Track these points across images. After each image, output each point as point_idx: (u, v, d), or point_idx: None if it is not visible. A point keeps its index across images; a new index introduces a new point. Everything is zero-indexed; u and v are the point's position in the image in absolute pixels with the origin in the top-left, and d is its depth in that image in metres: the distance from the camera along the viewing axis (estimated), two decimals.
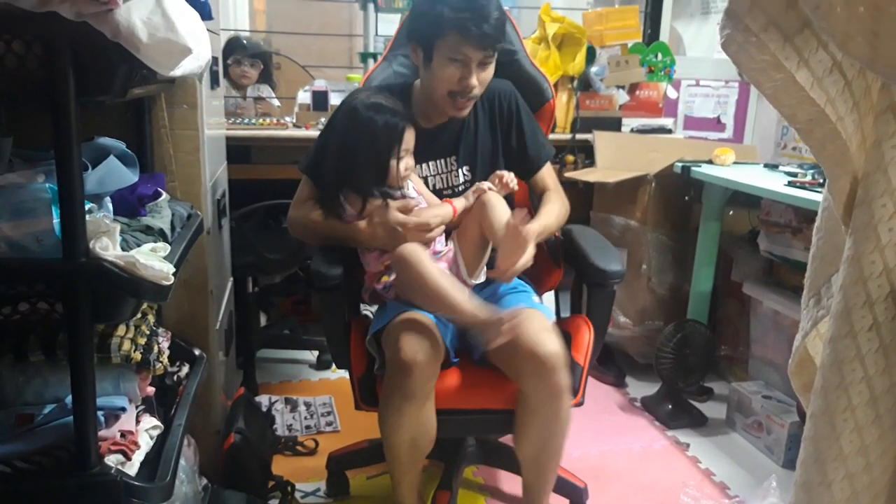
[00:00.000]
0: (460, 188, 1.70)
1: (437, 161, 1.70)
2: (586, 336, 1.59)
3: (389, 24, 2.87)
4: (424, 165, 1.69)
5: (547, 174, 1.76)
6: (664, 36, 3.17)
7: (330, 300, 1.56)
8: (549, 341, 1.40)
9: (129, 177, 1.22)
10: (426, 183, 1.70)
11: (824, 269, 0.75)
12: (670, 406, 2.35)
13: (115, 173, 1.19)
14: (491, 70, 1.60)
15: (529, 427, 1.47)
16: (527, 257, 1.44)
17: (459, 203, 1.61)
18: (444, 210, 1.59)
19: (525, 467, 1.55)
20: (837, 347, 0.66)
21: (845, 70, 0.61)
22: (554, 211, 1.68)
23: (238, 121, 2.59)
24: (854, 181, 0.66)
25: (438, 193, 1.69)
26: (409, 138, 1.55)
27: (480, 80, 1.57)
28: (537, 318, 1.46)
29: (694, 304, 2.48)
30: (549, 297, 1.89)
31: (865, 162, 0.63)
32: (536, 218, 1.62)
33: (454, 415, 1.52)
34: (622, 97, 2.86)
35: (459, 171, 1.70)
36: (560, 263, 1.82)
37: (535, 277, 1.76)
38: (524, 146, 1.72)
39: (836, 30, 0.51)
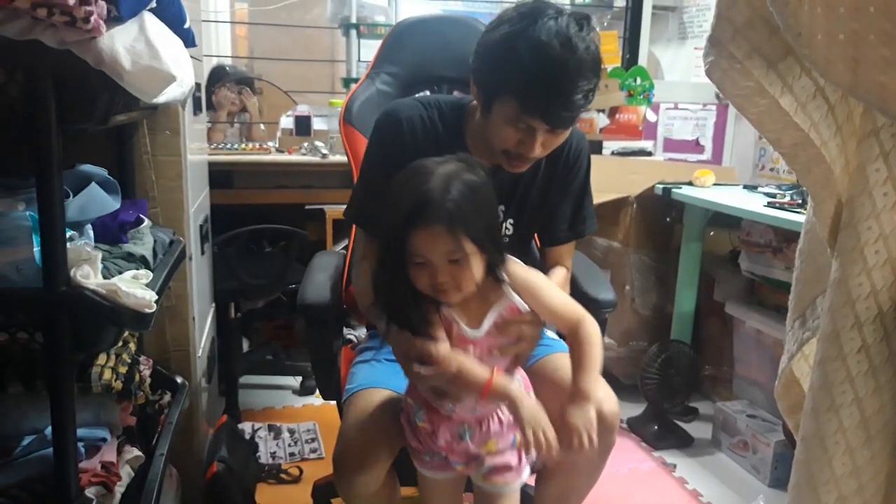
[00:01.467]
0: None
1: None
2: None
3: (371, 50, 2.88)
4: None
5: (569, 249, 1.51)
6: (643, 60, 3.22)
7: (317, 331, 1.44)
8: (612, 401, 1.28)
9: (111, 204, 1.21)
10: None
11: (808, 290, 0.76)
12: (656, 427, 2.35)
13: (96, 200, 1.18)
14: (563, 136, 1.31)
15: (560, 477, 1.36)
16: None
17: (502, 382, 1.11)
18: (477, 376, 1.10)
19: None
20: (827, 370, 0.66)
21: (828, 95, 0.63)
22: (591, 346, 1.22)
23: (221, 146, 2.58)
24: (839, 204, 0.67)
25: None
26: None
27: (547, 146, 1.29)
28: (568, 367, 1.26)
29: (677, 324, 2.49)
30: None
31: (850, 185, 0.64)
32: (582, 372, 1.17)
33: None
34: (602, 121, 2.89)
35: (504, 223, 1.44)
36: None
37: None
38: (579, 208, 1.46)
39: (818, 56, 0.52)
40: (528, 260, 1.33)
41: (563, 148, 1.38)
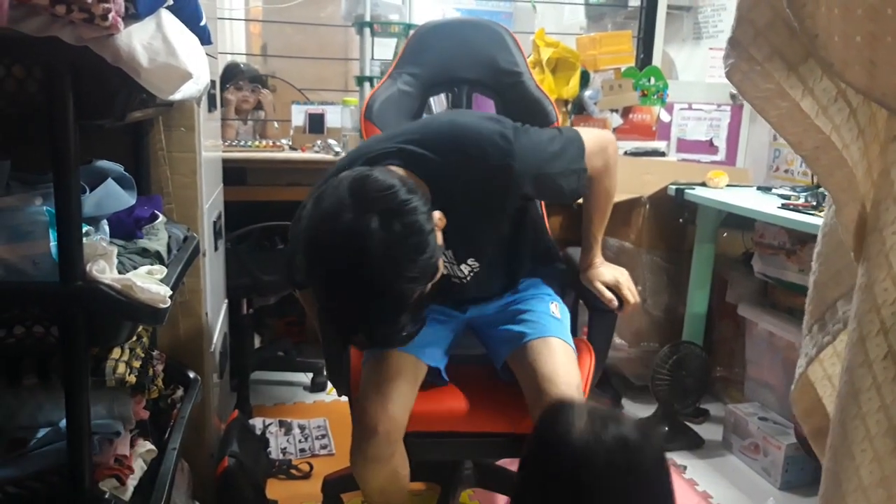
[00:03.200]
0: (468, 277, 1.48)
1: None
2: (587, 361, 1.58)
3: (385, 48, 2.89)
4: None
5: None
6: (657, 60, 3.20)
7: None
8: (568, 382, 1.36)
9: (127, 199, 1.22)
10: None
11: (827, 294, 0.75)
12: (667, 428, 2.34)
13: (112, 196, 1.19)
14: None
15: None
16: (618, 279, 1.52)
17: None
18: None
19: None
20: (854, 377, 0.65)
21: (850, 98, 0.62)
22: (598, 209, 1.52)
23: (235, 143, 2.59)
24: (862, 208, 0.66)
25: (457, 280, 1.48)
26: None
27: None
28: (566, 365, 1.40)
29: (689, 325, 2.48)
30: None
31: (875, 190, 0.63)
32: (592, 250, 1.56)
33: (452, 437, 1.50)
34: (616, 120, 2.88)
35: (460, 266, 1.45)
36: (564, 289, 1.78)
37: None
38: (561, 183, 1.38)
39: (835, 59, 0.52)
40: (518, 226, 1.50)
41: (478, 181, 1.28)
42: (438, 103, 2.13)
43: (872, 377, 0.64)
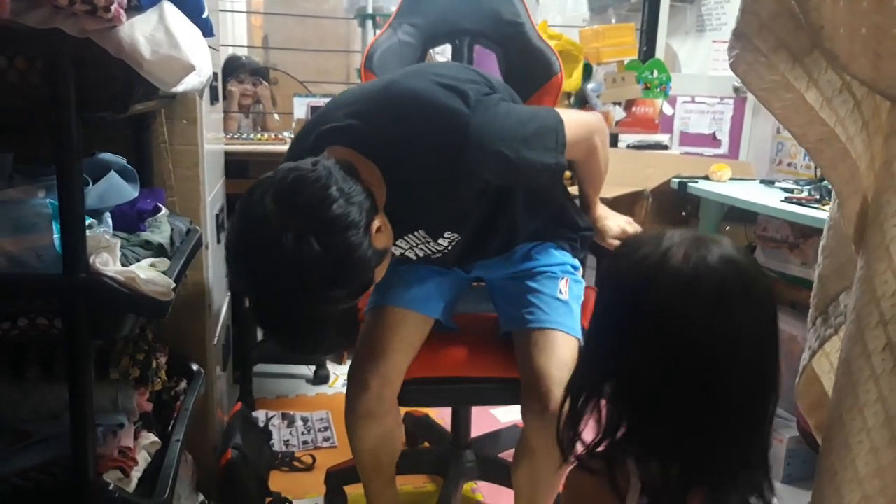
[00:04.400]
0: (448, 248, 1.40)
1: (408, 236, 1.36)
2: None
3: None
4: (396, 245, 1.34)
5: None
6: (660, 53, 3.19)
7: None
8: (561, 381, 1.28)
9: (130, 192, 1.22)
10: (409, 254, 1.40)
11: (831, 287, 0.75)
12: None
13: (115, 189, 1.19)
14: None
15: (525, 462, 1.42)
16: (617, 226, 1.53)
17: None
18: None
19: (517, 495, 1.50)
20: (852, 368, 0.66)
21: (854, 90, 0.62)
22: (598, 172, 1.48)
23: (237, 135, 2.59)
24: (864, 201, 0.66)
25: (428, 258, 1.43)
26: None
27: None
28: (563, 363, 1.34)
29: None
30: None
31: (876, 182, 0.64)
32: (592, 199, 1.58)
33: (452, 383, 1.50)
34: (618, 113, 2.87)
35: (436, 241, 1.37)
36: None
37: None
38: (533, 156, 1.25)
39: (840, 51, 0.52)
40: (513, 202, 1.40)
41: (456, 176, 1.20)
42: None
43: (871, 368, 0.64)
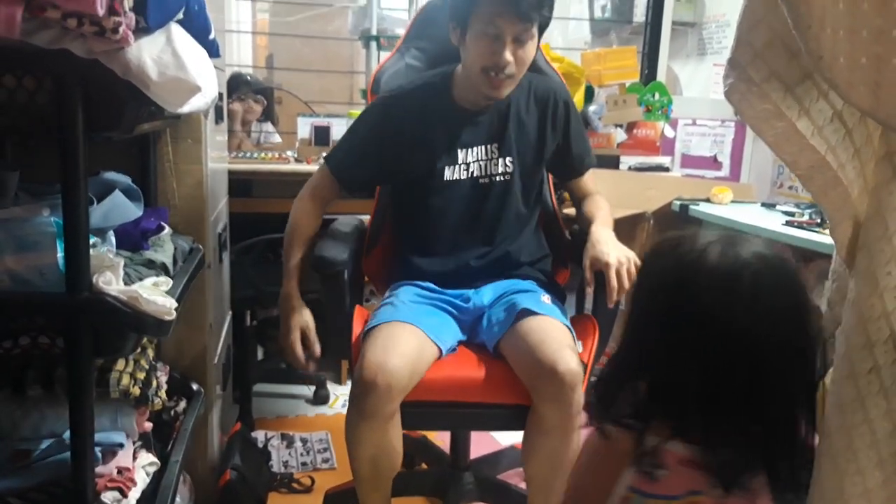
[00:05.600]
0: (498, 178, 1.64)
1: (479, 147, 1.63)
2: (592, 336, 1.57)
3: None
4: (465, 151, 1.62)
5: (590, 180, 1.76)
6: (661, 76, 3.22)
7: (334, 287, 1.53)
8: (570, 359, 1.36)
9: (134, 211, 1.23)
10: (467, 169, 1.62)
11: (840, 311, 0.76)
12: None
13: (120, 208, 1.20)
14: (530, 48, 1.51)
15: (540, 447, 1.44)
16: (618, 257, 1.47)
17: None
18: None
19: (532, 487, 1.51)
20: (839, 389, 0.67)
21: (846, 119, 0.63)
22: (606, 210, 1.68)
23: (241, 155, 2.61)
24: (856, 225, 0.67)
25: (476, 181, 1.63)
26: None
27: (517, 57, 1.49)
28: (558, 331, 1.45)
29: None
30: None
31: (868, 206, 0.64)
32: (598, 220, 1.64)
33: (453, 407, 1.50)
34: (620, 136, 2.89)
35: (500, 160, 1.64)
36: (567, 263, 1.83)
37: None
38: (569, 147, 1.70)
39: (840, 80, 0.53)
40: (535, 207, 1.71)
41: (549, 94, 1.66)
42: None
43: (857, 390, 0.65)
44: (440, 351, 1.48)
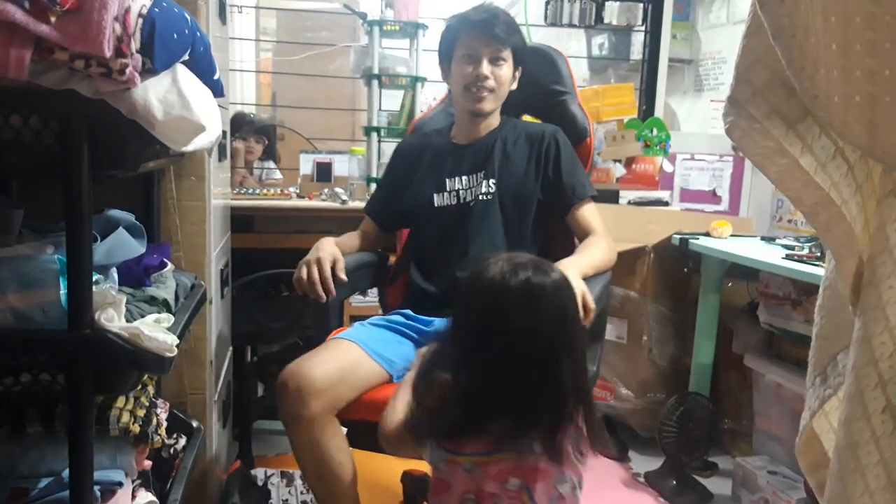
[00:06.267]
0: (481, 198, 1.75)
1: (466, 176, 1.78)
2: None
3: (392, 100, 2.95)
4: (453, 179, 1.78)
5: (589, 215, 1.76)
6: (659, 112, 3.25)
7: (320, 308, 1.64)
8: None
9: (137, 248, 1.23)
10: (456, 195, 1.77)
11: (829, 347, 0.75)
12: (674, 482, 2.30)
13: (123, 245, 1.20)
14: (505, 69, 1.71)
15: None
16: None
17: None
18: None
19: None
20: (852, 430, 0.65)
21: (848, 155, 0.63)
22: (596, 248, 1.66)
23: (243, 191, 2.62)
24: (860, 262, 0.67)
25: (466, 205, 1.76)
26: None
27: (495, 74, 1.70)
28: None
29: (696, 376, 2.46)
30: None
31: (870, 244, 0.64)
32: (575, 254, 1.63)
33: None
34: (619, 170, 2.91)
35: (484, 182, 1.76)
36: None
37: None
38: (559, 177, 1.74)
39: (835, 118, 0.53)
40: (520, 237, 1.72)
41: (541, 133, 1.78)
42: None
43: (871, 430, 0.64)
44: (389, 374, 1.51)
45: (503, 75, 1.72)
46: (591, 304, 1.40)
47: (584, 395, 1.05)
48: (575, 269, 1.48)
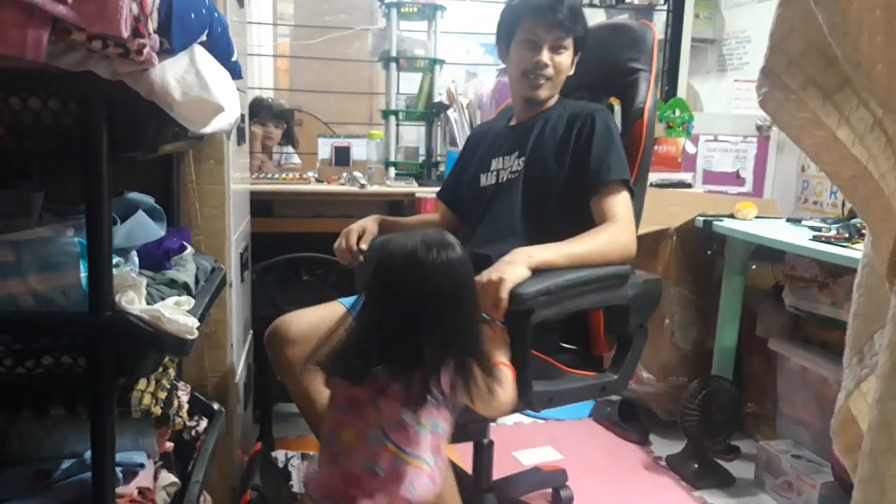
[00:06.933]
0: (511, 175, 1.74)
1: (507, 156, 1.78)
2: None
3: (410, 83, 2.93)
4: (497, 160, 1.79)
5: (613, 201, 1.59)
6: (682, 92, 3.20)
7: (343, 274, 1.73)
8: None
9: (157, 231, 1.23)
10: (496, 175, 1.77)
11: (867, 326, 0.73)
12: (696, 465, 2.29)
13: (143, 228, 1.20)
14: (566, 57, 1.69)
15: None
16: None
17: None
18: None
19: None
20: (885, 409, 0.63)
21: (886, 127, 0.61)
22: (587, 240, 1.53)
23: (262, 175, 2.63)
24: None
25: (502, 184, 1.76)
26: None
27: (554, 62, 1.68)
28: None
29: (719, 359, 2.43)
30: None
31: None
32: (556, 243, 1.51)
33: None
34: None
35: (516, 161, 1.75)
36: None
37: None
38: (588, 158, 1.62)
39: (878, 86, 0.51)
40: (543, 218, 1.65)
41: (580, 111, 1.70)
42: None
43: None
44: None
45: (563, 63, 1.69)
46: (502, 296, 1.33)
47: (457, 355, 1.14)
48: (523, 257, 1.40)
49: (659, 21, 3.41)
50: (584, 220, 1.61)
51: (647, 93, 1.77)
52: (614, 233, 1.57)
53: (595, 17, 3.75)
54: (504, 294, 1.33)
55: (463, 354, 1.13)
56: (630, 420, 2.59)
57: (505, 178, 1.75)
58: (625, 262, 1.57)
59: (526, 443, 2.48)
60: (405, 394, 1.10)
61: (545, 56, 1.66)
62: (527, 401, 1.45)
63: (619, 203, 1.61)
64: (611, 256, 1.54)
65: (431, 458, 1.11)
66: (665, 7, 3.19)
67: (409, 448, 1.09)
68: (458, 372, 1.13)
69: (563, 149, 1.68)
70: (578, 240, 1.53)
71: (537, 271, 1.41)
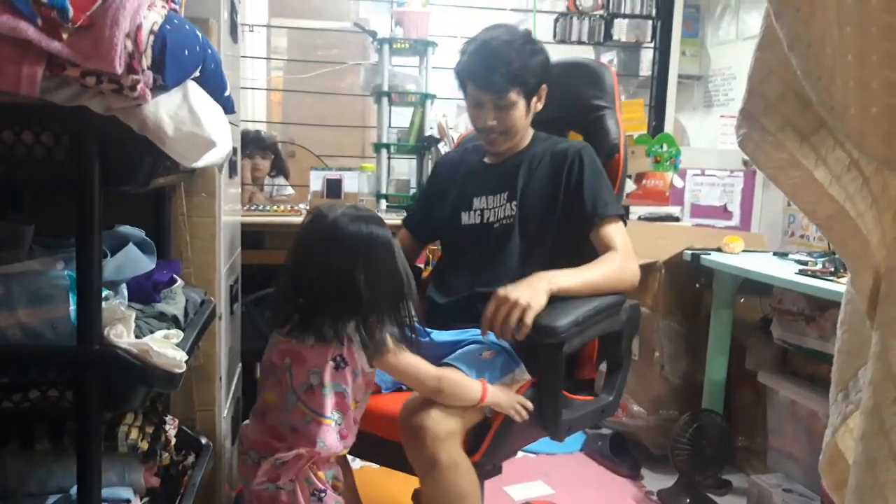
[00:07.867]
0: (504, 221, 1.74)
1: (492, 195, 1.77)
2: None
3: (402, 117, 2.96)
4: (480, 198, 1.78)
5: (612, 234, 1.66)
6: (669, 128, 3.25)
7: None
8: (424, 415, 1.34)
9: (147, 264, 1.24)
10: (481, 216, 1.77)
11: (851, 363, 0.74)
12: (688, 500, 2.27)
13: (133, 261, 1.20)
14: (514, 111, 1.69)
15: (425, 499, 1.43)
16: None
17: (494, 393, 1.40)
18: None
19: None
20: (869, 446, 0.64)
21: (863, 167, 0.62)
22: (598, 267, 1.59)
23: (253, 207, 2.63)
24: (877, 275, 0.66)
25: (489, 226, 1.75)
26: None
27: (500, 119, 1.69)
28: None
29: (709, 393, 2.43)
30: None
31: (887, 258, 0.63)
32: (573, 269, 1.55)
33: (377, 442, 1.47)
34: (629, 186, 2.90)
35: (507, 205, 1.75)
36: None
37: None
38: (581, 196, 1.67)
39: (852, 129, 0.53)
40: (538, 259, 1.64)
41: (565, 151, 1.72)
42: None
43: (889, 447, 0.62)
44: (378, 386, 1.51)
45: (511, 117, 1.69)
46: (527, 322, 1.38)
47: (360, 315, 1.28)
48: (544, 284, 1.45)
49: (646, 58, 3.48)
50: (581, 255, 1.66)
51: (619, 129, 1.87)
52: (623, 261, 1.63)
53: (584, 54, 3.82)
54: (529, 321, 1.38)
55: (365, 319, 1.27)
56: (621, 454, 2.57)
57: (495, 221, 1.75)
58: (631, 289, 1.64)
59: (517, 477, 2.46)
60: (312, 358, 1.27)
61: (490, 117, 1.68)
62: (555, 433, 1.50)
63: (619, 234, 1.68)
64: (622, 284, 1.62)
65: (338, 416, 1.28)
66: (652, 45, 3.25)
67: (315, 407, 1.27)
68: (357, 333, 1.27)
69: (555, 191, 1.70)
70: (592, 267, 1.59)
71: (554, 297, 1.46)
